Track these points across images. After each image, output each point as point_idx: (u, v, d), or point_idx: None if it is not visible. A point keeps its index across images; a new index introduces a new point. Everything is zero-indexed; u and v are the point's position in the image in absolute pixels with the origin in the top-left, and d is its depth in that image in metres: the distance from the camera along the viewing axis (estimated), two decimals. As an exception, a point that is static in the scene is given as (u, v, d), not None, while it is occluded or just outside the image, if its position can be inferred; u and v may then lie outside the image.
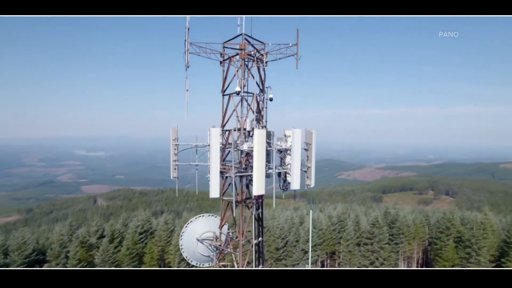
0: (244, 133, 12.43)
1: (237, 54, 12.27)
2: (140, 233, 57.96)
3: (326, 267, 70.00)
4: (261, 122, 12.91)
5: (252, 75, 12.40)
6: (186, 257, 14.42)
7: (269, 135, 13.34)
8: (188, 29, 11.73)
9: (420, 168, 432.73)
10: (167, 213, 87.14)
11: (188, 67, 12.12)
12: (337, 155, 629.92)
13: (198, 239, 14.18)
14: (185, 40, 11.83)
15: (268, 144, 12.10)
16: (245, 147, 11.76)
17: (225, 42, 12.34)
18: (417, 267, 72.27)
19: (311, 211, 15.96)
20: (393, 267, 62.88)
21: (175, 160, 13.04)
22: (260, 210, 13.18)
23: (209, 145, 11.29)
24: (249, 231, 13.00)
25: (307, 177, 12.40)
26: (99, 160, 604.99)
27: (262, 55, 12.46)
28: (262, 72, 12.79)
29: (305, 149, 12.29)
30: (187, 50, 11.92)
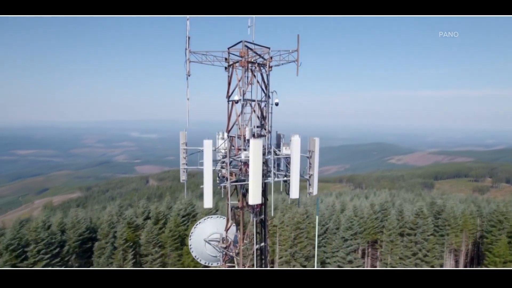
0: (244, 141, 12.33)
1: (237, 62, 12.10)
2: (183, 216, 60.17)
3: (367, 256, 68.88)
4: (266, 128, 12.76)
5: (257, 79, 12.18)
6: (195, 257, 14.94)
7: (279, 139, 13.21)
8: (189, 37, 11.65)
9: (477, 154, 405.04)
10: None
11: (189, 75, 12.18)
12: (388, 139, 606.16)
13: (205, 240, 14.61)
14: (186, 48, 11.83)
15: (274, 151, 11.94)
16: (242, 156, 11.72)
17: (229, 48, 12.16)
18: (465, 260, 68.85)
19: (317, 216, 15.59)
20: (437, 259, 60.31)
21: (184, 164, 13.35)
22: (262, 216, 13.19)
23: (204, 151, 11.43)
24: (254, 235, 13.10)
25: (310, 185, 12.11)
26: (151, 142, 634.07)
27: (265, 60, 12.20)
28: (266, 77, 12.52)
29: (308, 157, 11.97)
30: (188, 59, 11.95)
